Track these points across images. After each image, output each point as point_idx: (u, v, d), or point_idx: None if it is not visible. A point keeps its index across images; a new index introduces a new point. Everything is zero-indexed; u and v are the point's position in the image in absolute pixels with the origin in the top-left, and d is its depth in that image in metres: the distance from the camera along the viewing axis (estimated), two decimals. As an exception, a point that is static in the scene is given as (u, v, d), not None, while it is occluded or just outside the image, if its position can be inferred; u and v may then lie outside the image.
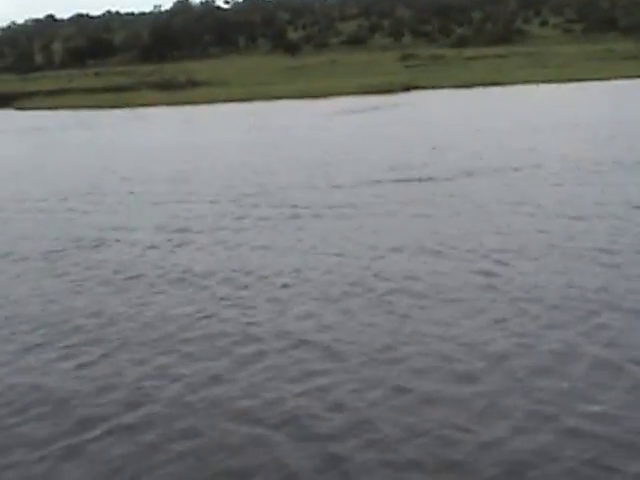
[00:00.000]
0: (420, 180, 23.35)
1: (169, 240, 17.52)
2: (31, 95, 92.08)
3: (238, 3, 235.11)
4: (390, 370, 9.71)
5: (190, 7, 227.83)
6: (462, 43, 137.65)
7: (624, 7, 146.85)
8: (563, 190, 20.69)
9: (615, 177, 22.06)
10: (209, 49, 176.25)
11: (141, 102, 78.11)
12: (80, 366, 10.49)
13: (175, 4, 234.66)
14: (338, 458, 7.80)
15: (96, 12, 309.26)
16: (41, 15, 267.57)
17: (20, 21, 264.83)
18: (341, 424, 8.48)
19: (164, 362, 10.43)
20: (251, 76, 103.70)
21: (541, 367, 9.50)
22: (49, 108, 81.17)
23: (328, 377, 9.58)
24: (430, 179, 23.44)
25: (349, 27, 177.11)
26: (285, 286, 13.48)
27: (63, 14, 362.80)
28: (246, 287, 13.58)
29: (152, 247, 17.01)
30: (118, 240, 17.92)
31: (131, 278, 14.63)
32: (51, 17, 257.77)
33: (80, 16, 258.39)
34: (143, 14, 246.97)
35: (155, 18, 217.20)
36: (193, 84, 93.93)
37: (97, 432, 8.61)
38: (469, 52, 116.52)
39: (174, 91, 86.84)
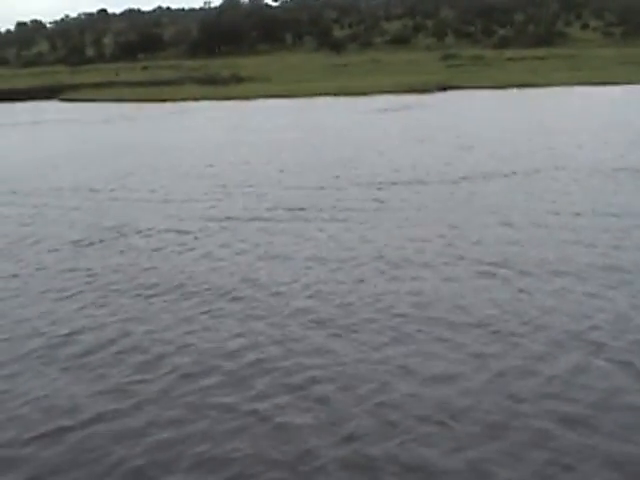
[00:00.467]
0: (425, 183, 25.38)
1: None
2: (77, 87, 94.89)
3: (286, 1, 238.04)
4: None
5: (239, 4, 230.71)
6: (504, 44, 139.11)
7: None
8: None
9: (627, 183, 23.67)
10: (257, 46, 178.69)
11: (184, 96, 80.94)
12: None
13: (224, 1, 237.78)
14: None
15: (147, 7, 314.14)
16: (94, 9, 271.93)
17: (73, 15, 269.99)
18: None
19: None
20: (294, 73, 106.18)
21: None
22: (93, 100, 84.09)
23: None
24: (441, 182, 25.21)
25: (394, 27, 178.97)
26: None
27: (115, 9, 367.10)
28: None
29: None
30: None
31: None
32: (103, 11, 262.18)
33: (131, 11, 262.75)
34: (193, 10, 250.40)
35: (204, 14, 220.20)
36: (237, 80, 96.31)
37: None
38: (509, 53, 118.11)
39: (217, 86, 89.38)
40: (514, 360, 10.84)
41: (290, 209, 21.33)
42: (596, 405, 9.52)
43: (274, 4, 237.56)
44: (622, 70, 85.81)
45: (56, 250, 18.17)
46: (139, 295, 14.34)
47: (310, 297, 13.79)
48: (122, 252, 17.65)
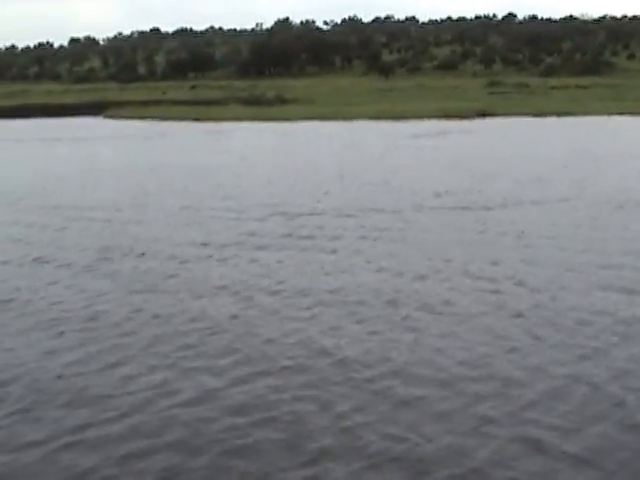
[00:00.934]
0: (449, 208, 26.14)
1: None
2: (122, 104, 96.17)
3: (337, 24, 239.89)
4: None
5: (290, 26, 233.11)
6: (550, 72, 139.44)
7: None
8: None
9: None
10: (306, 68, 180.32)
11: (226, 116, 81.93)
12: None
13: (276, 22, 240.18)
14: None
15: (200, 27, 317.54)
16: (147, 27, 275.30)
17: (126, 32, 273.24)
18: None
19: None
20: (339, 96, 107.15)
21: None
22: (137, 118, 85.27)
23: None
24: (465, 208, 25.54)
25: (442, 52, 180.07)
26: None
27: (168, 27, 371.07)
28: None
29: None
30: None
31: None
32: (156, 30, 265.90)
33: (184, 30, 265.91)
34: (245, 31, 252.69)
35: (256, 35, 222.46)
36: (281, 101, 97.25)
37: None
38: (554, 82, 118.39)
39: (261, 107, 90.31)
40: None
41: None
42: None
43: (325, 27, 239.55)
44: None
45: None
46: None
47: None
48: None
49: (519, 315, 13.71)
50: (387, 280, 16.25)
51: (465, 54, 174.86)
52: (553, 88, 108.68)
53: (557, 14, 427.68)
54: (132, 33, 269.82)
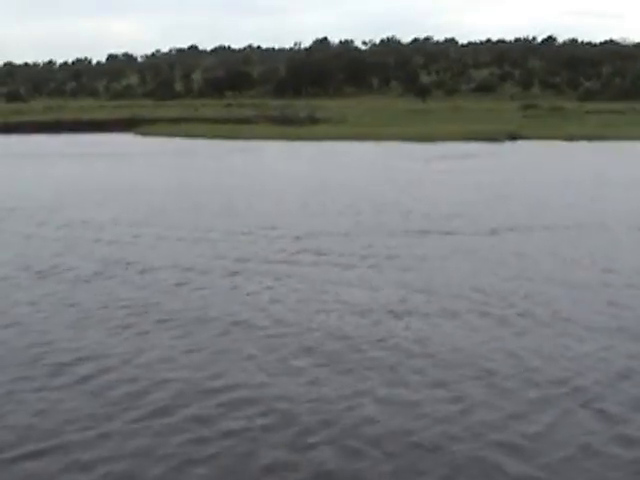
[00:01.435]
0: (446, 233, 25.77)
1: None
2: (153, 121, 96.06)
3: (375, 45, 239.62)
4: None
5: (328, 45, 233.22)
6: (588, 97, 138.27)
7: None
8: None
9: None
10: (343, 88, 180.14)
11: (254, 135, 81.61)
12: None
13: (314, 42, 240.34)
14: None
15: (238, 45, 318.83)
16: (185, 45, 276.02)
17: (164, 49, 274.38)
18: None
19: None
20: (373, 117, 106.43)
21: None
22: (167, 135, 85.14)
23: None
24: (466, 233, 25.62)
25: (481, 74, 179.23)
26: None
27: (206, 45, 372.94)
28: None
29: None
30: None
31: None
32: (194, 47, 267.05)
33: (222, 48, 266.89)
34: (283, 50, 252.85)
35: (294, 54, 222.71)
36: (312, 120, 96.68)
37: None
38: (589, 106, 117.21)
39: (291, 126, 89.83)
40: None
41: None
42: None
43: (363, 47, 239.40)
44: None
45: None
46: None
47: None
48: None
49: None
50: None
51: (503, 76, 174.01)
52: (588, 112, 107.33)
53: (597, 38, 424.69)
54: (170, 50, 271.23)
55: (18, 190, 38.54)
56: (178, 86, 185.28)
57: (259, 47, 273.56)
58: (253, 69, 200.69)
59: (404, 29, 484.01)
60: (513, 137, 76.57)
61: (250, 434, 10.32)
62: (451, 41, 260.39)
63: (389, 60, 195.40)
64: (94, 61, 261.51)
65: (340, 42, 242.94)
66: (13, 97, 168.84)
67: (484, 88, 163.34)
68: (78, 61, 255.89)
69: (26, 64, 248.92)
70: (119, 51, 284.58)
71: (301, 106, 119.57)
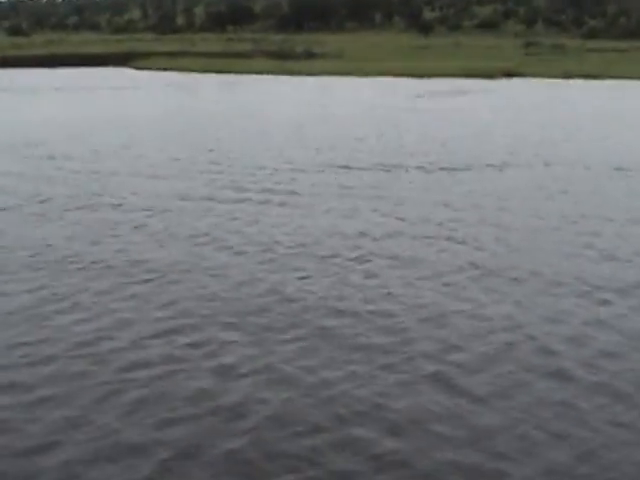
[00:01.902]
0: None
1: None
2: (149, 55, 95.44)
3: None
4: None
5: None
6: (592, 35, 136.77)
7: None
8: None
9: None
10: (345, 23, 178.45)
11: (249, 69, 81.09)
12: None
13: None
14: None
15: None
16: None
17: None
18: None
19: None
20: (371, 52, 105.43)
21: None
22: (161, 69, 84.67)
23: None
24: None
25: (485, 11, 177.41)
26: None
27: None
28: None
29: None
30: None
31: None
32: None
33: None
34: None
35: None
36: (308, 55, 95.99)
37: None
38: (592, 44, 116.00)
39: (286, 61, 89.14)
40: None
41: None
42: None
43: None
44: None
45: None
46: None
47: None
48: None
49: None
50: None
51: (507, 13, 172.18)
52: (589, 50, 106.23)
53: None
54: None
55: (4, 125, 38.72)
56: (180, 20, 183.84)
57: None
58: (255, 4, 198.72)
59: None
60: (509, 75, 75.93)
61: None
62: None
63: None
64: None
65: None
66: (15, 31, 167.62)
67: (487, 25, 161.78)
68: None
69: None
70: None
71: (302, 41, 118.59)
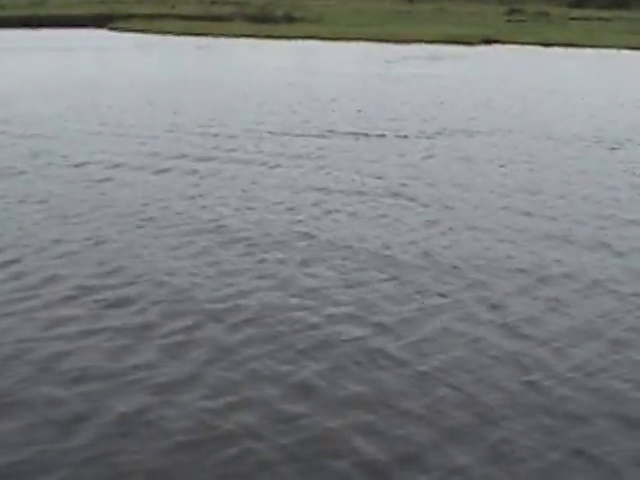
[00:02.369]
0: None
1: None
2: (128, 17, 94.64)
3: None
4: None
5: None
6: (578, 4, 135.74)
7: None
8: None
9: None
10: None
11: (227, 32, 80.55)
12: None
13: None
14: None
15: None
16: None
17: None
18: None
19: None
20: (352, 17, 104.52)
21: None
22: (140, 31, 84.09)
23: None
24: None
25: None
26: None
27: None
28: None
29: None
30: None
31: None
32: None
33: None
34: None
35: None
36: (288, 19, 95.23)
37: None
38: (576, 13, 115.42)
39: (265, 24, 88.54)
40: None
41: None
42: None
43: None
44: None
45: None
46: None
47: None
48: None
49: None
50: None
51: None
52: (572, 19, 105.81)
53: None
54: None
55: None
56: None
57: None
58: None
59: None
60: (488, 42, 75.41)
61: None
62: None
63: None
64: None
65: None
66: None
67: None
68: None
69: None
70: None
71: (285, 4, 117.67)
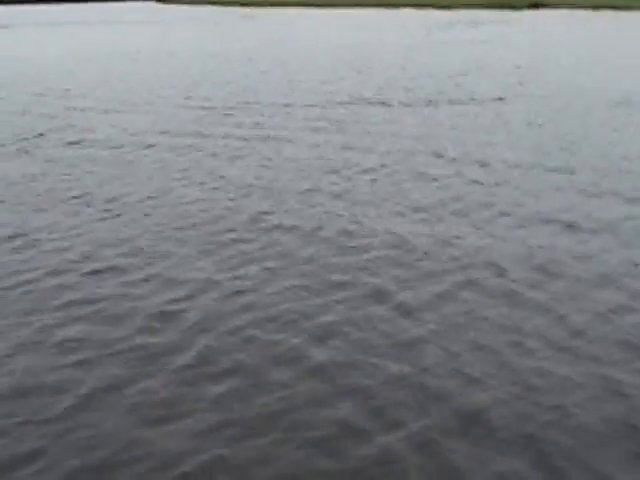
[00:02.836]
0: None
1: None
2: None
3: None
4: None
5: None
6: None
7: None
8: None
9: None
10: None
11: (272, 1, 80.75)
12: None
13: None
14: None
15: None
16: None
17: None
18: None
19: None
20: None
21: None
22: (188, 3, 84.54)
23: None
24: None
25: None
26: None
27: None
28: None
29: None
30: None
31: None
32: None
33: None
34: None
35: None
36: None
37: None
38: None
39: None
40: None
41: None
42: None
43: None
44: None
45: None
46: None
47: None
48: None
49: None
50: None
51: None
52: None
53: None
54: None
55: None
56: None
57: None
58: None
59: None
60: (535, 5, 74.51)
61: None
62: None
63: None
64: None
65: None
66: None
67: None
68: None
69: None
70: None
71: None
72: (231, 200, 14.07)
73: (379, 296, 9.52)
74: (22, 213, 13.83)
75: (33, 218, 13.51)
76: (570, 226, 12.44)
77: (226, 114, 22.02)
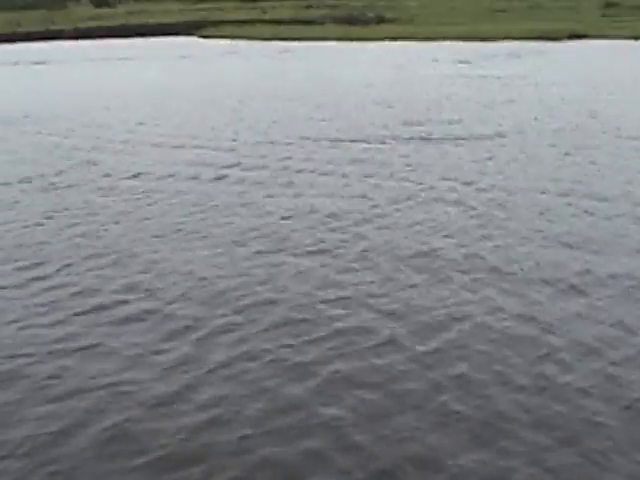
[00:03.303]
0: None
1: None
2: (218, 24, 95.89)
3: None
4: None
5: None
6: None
7: None
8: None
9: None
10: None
11: (314, 35, 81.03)
12: None
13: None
14: None
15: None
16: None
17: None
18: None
19: None
20: (446, 16, 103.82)
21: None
22: (228, 37, 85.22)
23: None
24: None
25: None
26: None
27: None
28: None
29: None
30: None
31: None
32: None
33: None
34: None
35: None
36: (378, 20, 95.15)
37: None
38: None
39: (355, 26, 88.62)
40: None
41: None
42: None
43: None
44: None
45: None
46: None
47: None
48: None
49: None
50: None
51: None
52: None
53: None
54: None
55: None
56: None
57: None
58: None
59: None
60: (576, 36, 73.92)
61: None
62: None
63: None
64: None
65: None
66: (100, 2, 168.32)
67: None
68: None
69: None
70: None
71: (384, 6, 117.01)
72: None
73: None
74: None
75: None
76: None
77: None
